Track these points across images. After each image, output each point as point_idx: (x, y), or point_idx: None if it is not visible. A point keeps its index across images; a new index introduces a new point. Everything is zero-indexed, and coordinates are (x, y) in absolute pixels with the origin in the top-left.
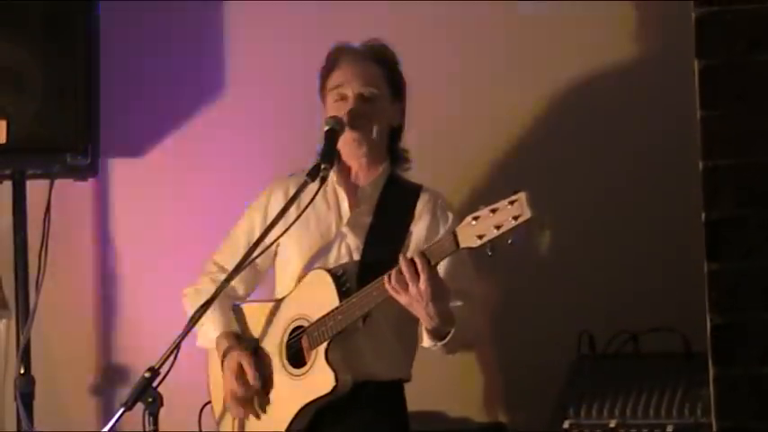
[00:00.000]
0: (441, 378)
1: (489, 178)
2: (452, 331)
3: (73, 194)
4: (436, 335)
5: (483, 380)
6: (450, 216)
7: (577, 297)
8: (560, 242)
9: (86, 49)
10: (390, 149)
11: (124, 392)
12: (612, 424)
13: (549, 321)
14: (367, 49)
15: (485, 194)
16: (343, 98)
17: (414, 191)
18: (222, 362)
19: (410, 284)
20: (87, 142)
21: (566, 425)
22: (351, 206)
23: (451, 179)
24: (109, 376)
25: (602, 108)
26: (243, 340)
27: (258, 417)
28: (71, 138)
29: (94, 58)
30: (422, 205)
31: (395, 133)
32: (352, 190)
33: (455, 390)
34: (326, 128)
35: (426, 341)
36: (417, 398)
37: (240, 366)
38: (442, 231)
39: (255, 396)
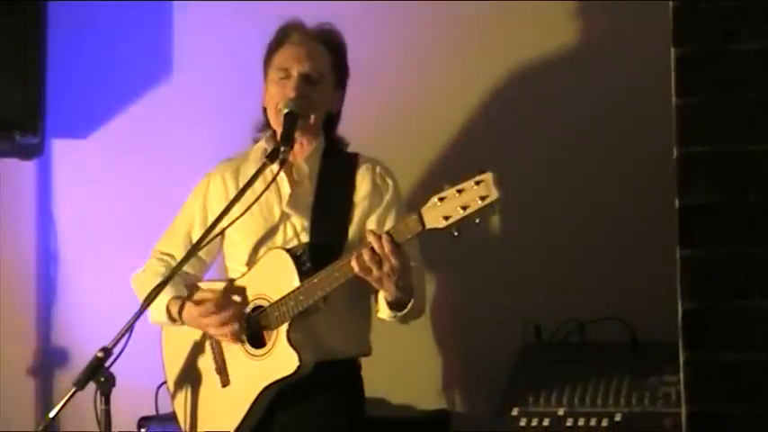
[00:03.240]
0: (384, 364)
1: (445, 160)
2: (412, 301)
3: (15, 174)
4: (397, 306)
5: (428, 366)
6: (391, 181)
7: (524, 285)
8: (509, 229)
9: (36, 28)
10: (327, 134)
11: (63, 375)
12: (561, 412)
13: (496, 309)
14: (318, 32)
15: (443, 175)
16: (288, 77)
17: (351, 161)
18: (181, 317)
19: (384, 263)
20: (37, 121)
21: (514, 412)
22: (290, 184)
23: (413, 156)
24: (48, 358)
25: (560, 89)
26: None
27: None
28: (21, 116)
29: (43, 37)
30: (361, 175)
31: (332, 120)
32: (289, 168)
33: (398, 376)
34: (286, 111)
35: (385, 312)
36: None
37: (194, 301)
38: (386, 198)
39: (228, 303)
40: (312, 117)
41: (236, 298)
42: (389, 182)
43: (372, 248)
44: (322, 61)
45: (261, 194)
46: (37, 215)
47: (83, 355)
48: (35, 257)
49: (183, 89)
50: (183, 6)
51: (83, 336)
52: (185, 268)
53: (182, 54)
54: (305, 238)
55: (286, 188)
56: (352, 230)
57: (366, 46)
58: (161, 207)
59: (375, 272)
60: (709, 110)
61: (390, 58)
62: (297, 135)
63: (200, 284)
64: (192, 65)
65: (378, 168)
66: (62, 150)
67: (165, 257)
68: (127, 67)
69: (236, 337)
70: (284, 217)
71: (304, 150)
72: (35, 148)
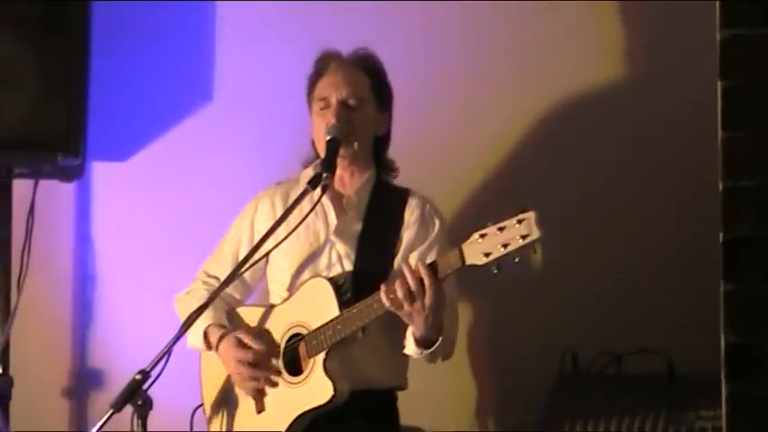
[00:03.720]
0: (420, 392)
1: (484, 190)
2: (440, 340)
3: (54, 195)
4: (424, 343)
5: (463, 395)
6: (438, 221)
7: (562, 315)
8: (547, 259)
9: (80, 50)
10: (376, 158)
11: (98, 396)
12: None
13: (534, 339)
14: (354, 58)
15: (481, 206)
16: (328, 106)
17: (401, 196)
18: (218, 349)
19: (417, 298)
20: (79, 143)
21: None
22: (337, 214)
23: (449, 190)
24: (83, 380)
25: (604, 121)
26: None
27: (273, 383)
28: (63, 138)
29: (87, 59)
30: (410, 210)
31: (381, 143)
32: (338, 198)
33: (434, 404)
34: (328, 137)
35: (412, 348)
36: None
37: (240, 340)
38: (431, 237)
39: (265, 361)
40: (356, 144)
41: (276, 331)
42: (437, 220)
43: (405, 282)
44: (361, 86)
45: (306, 216)
46: (75, 237)
47: (118, 377)
48: (73, 279)
49: (224, 114)
50: (226, 31)
51: (119, 357)
52: (231, 291)
53: (222, 78)
54: (348, 266)
55: (333, 217)
56: (396, 263)
57: (408, 77)
58: (199, 230)
59: (406, 306)
60: (756, 143)
61: (436, 90)
62: (345, 163)
63: (240, 310)
64: (233, 89)
65: (427, 206)
66: (101, 172)
67: (211, 280)
68: (167, 90)
69: (254, 394)
70: (330, 244)
71: (354, 182)
72: (76, 170)
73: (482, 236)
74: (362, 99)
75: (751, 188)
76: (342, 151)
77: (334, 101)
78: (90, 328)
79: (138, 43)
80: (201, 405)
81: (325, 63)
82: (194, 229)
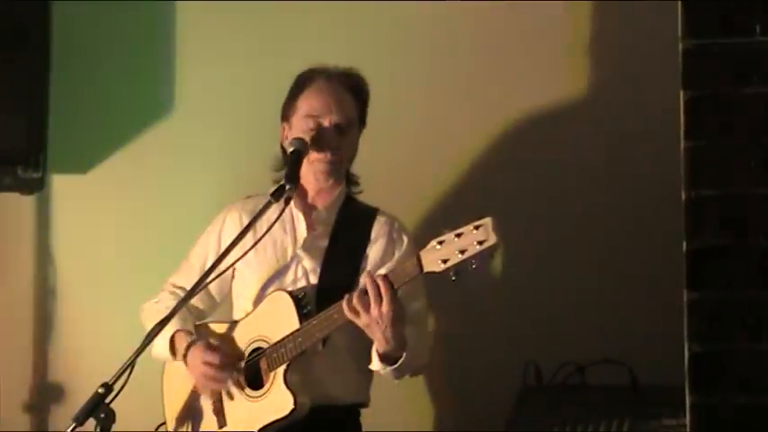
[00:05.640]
0: (383, 406)
1: (449, 200)
2: (404, 356)
3: (14, 208)
4: (388, 359)
5: (426, 408)
6: (406, 239)
7: (524, 326)
8: (509, 271)
9: (41, 62)
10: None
11: (60, 410)
12: None
13: (496, 350)
14: (344, 78)
15: (445, 217)
16: (317, 127)
17: (370, 214)
18: (185, 355)
19: (373, 306)
20: (39, 156)
21: None
22: (308, 228)
23: (413, 202)
24: (45, 393)
25: (564, 133)
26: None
27: (238, 386)
28: (24, 150)
29: (47, 73)
30: (378, 228)
31: None
32: (309, 212)
33: (397, 417)
34: (291, 149)
35: (376, 364)
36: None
37: (210, 343)
38: (397, 255)
39: (231, 366)
40: (345, 161)
41: (238, 346)
42: (405, 238)
43: (363, 290)
44: (350, 108)
45: (273, 223)
46: (35, 249)
47: (80, 391)
48: (33, 291)
49: (185, 124)
50: (186, 39)
51: (80, 371)
52: (195, 303)
53: (183, 88)
54: (314, 281)
55: (303, 232)
56: (362, 280)
57: (373, 85)
58: (161, 243)
59: (363, 315)
60: (719, 153)
61: (400, 97)
62: (326, 180)
63: (201, 326)
64: (194, 99)
65: (395, 224)
66: (62, 185)
67: (179, 291)
68: (128, 102)
69: (213, 394)
70: (296, 259)
71: (326, 197)
72: (36, 183)
73: (440, 243)
74: (351, 122)
75: (714, 197)
76: (329, 170)
77: (327, 123)
78: (51, 342)
79: (98, 54)
80: (164, 423)
81: (311, 76)
82: (156, 242)
